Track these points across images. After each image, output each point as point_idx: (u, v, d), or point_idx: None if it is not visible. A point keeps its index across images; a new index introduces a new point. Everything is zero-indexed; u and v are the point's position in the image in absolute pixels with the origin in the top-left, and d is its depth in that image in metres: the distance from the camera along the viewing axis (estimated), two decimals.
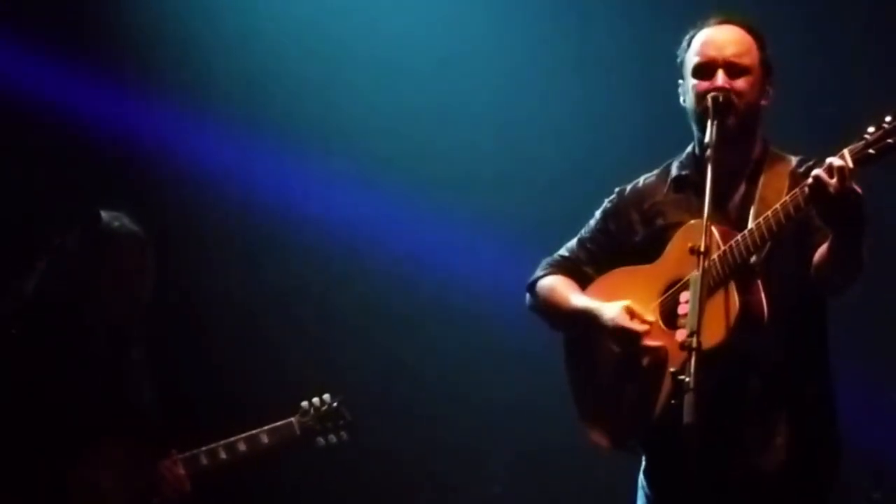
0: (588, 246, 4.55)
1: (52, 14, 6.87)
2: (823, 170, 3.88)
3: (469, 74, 7.00)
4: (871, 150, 3.87)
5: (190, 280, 6.83)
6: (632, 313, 4.25)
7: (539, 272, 4.59)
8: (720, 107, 4.20)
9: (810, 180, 3.91)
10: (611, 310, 4.29)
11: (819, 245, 4.10)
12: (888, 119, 3.87)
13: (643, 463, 4.39)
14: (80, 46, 6.90)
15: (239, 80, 7.09)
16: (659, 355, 4.18)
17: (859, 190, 3.90)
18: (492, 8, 7.00)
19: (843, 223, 3.96)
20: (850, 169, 3.85)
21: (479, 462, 6.97)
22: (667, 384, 4.11)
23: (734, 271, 4.09)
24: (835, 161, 3.88)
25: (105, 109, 6.87)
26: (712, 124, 4.17)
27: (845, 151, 3.90)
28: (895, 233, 5.33)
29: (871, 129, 3.89)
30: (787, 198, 4.04)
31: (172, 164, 6.95)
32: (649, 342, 4.20)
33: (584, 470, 5.79)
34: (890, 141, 3.85)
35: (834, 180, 3.86)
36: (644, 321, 4.23)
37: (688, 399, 3.79)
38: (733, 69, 4.27)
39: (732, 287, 4.08)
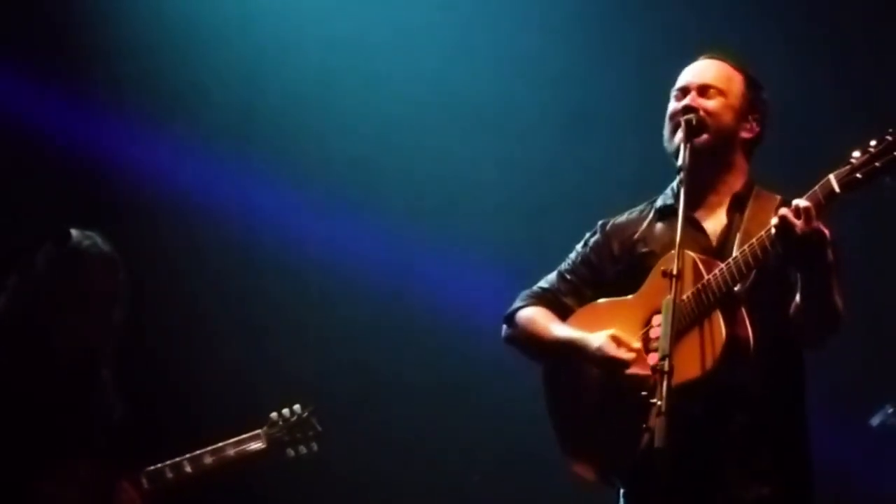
0: (568, 277, 4.52)
1: (27, 32, 6.83)
2: (790, 210, 3.88)
3: (460, 98, 6.98)
4: (858, 175, 3.86)
5: (158, 294, 6.72)
6: (618, 341, 4.20)
7: (517, 303, 4.55)
8: (693, 129, 4.20)
9: (775, 220, 3.90)
10: (596, 339, 4.24)
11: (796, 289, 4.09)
12: (873, 143, 3.87)
13: (621, 495, 4.34)
14: (53, 64, 6.85)
15: (227, 105, 7.06)
16: (645, 384, 4.11)
17: (826, 232, 3.90)
18: (484, 36, 6.99)
19: (808, 264, 3.95)
20: (816, 211, 3.85)
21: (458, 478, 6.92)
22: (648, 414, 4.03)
23: (719, 300, 4.06)
24: (801, 202, 3.87)
25: (76, 126, 6.81)
26: (685, 147, 4.16)
27: (831, 177, 3.89)
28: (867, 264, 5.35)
29: (856, 154, 3.88)
30: (769, 229, 4.02)
31: (143, 182, 6.90)
32: (635, 370, 4.15)
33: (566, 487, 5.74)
34: (877, 165, 3.84)
35: (800, 221, 3.86)
36: (631, 349, 4.18)
37: (659, 423, 3.75)
38: (705, 91, 4.30)
39: (718, 317, 4.05)
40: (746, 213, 4.24)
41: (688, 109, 4.24)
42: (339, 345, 7.01)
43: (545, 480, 4.68)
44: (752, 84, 4.36)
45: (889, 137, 3.84)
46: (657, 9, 6.61)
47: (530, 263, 4.64)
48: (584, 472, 4.39)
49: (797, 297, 4.06)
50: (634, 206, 4.54)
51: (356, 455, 6.74)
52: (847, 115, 6.20)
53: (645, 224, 4.42)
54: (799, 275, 4.00)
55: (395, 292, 6.89)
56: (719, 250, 4.20)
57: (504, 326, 4.58)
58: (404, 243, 6.88)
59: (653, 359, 4.01)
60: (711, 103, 4.26)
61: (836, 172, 3.89)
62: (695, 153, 4.16)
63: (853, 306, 4.11)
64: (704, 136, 4.21)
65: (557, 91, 6.85)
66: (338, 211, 6.94)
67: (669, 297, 3.91)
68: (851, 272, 4.09)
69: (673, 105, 4.31)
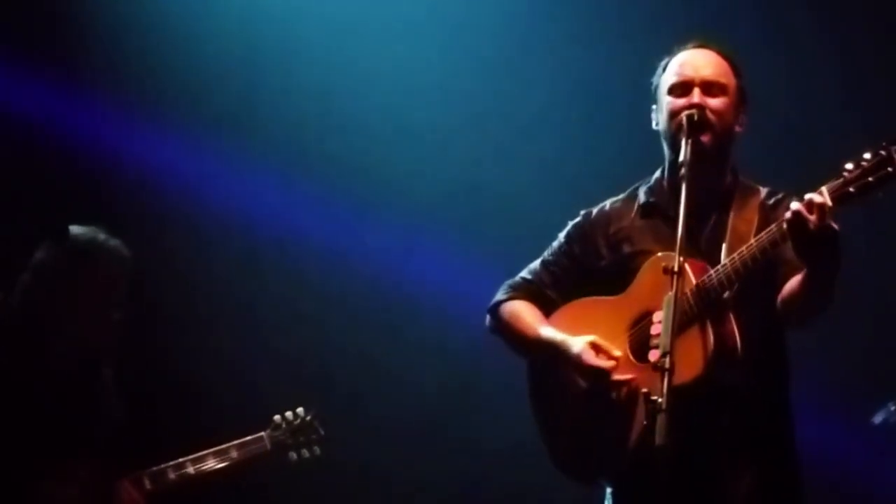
0: (551, 269, 4.49)
1: (26, 27, 6.84)
2: (803, 205, 3.83)
3: (461, 94, 7.00)
4: (850, 189, 3.82)
5: (159, 293, 6.74)
6: (597, 348, 4.20)
7: (501, 295, 4.53)
8: (695, 125, 4.15)
9: (789, 215, 3.85)
10: (576, 345, 4.23)
11: (787, 277, 4.08)
12: (867, 156, 3.82)
13: (609, 495, 4.35)
14: (52, 59, 6.86)
15: (228, 100, 7.06)
16: (628, 388, 4.12)
17: (836, 227, 3.85)
18: (485, 32, 7.00)
19: (820, 259, 3.92)
20: (829, 206, 3.80)
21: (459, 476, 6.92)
22: (638, 417, 4.06)
23: (708, 305, 4.06)
24: (815, 197, 3.83)
25: (74, 122, 6.81)
26: (687, 143, 4.12)
27: (824, 189, 3.85)
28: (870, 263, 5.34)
29: (849, 167, 3.84)
30: (763, 234, 4.01)
31: (143, 178, 6.90)
32: (617, 377, 4.16)
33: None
34: (871, 179, 3.81)
35: (813, 216, 3.81)
36: (611, 356, 4.18)
37: (660, 420, 3.74)
38: (710, 88, 4.24)
39: (707, 321, 4.05)
40: (732, 210, 4.23)
41: (695, 107, 4.19)
42: (341, 343, 7.00)
43: (546, 479, 4.67)
44: (738, 73, 4.32)
45: (883, 152, 3.80)
46: (659, 5, 6.62)
47: (531, 260, 4.62)
48: (573, 474, 4.39)
49: (794, 284, 4.03)
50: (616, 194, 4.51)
51: (358, 453, 6.74)
52: (846, 113, 6.22)
53: (629, 220, 4.39)
54: (808, 268, 3.96)
55: (397, 290, 6.89)
56: (708, 252, 4.19)
57: (488, 317, 4.56)
58: (406, 240, 6.89)
59: (653, 355, 3.97)
60: (716, 102, 4.22)
61: (828, 185, 3.84)
62: (697, 152, 4.11)
63: (856, 305, 4.10)
64: (709, 137, 4.17)
65: (559, 89, 6.86)
66: (339, 208, 6.94)
67: (671, 294, 3.88)
68: (854, 271, 4.08)
69: (675, 101, 4.24)
